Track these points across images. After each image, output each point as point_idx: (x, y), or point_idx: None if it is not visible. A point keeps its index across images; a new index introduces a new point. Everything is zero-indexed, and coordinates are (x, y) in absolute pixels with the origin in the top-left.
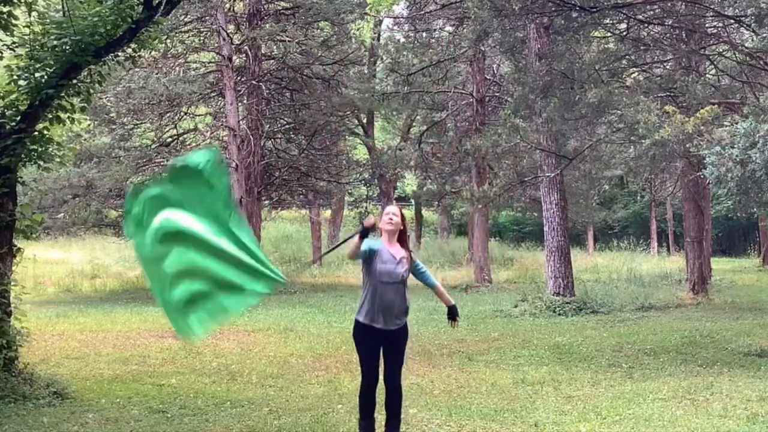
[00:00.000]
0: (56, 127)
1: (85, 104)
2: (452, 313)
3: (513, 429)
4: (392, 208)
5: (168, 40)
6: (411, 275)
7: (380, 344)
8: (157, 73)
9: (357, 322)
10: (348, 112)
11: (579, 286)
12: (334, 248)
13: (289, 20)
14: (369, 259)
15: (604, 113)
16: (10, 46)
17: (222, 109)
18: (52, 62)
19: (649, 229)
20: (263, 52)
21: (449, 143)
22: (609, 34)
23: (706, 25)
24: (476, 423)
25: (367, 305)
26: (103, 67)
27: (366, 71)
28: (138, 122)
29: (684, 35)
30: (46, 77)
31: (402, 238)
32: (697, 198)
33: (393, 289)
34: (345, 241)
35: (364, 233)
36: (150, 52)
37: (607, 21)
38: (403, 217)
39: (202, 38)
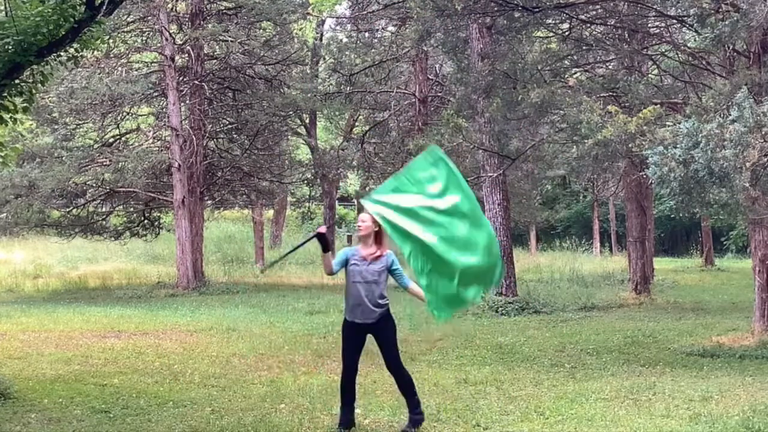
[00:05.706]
0: None
1: (28, 104)
2: None
3: (456, 429)
4: (361, 215)
5: (110, 40)
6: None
7: (362, 337)
8: (99, 73)
9: (344, 319)
10: (290, 112)
11: (522, 287)
12: (284, 257)
13: (232, 20)
14: (345, 264)
15: (547, 113)
16: None
17: (164, 109)
18: None
19: (592, 229)
20: (206, 52)
21: (392, 143)
22: (551, 34)
23: (649, 25)
24: None
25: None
26: (46, 67)
27: (308, 71)
28: (80, 122)
29: (626, 35)
30: None
31: (378, 239)
32: (639, 198)
33: (365, 287)
34: (295, 249)
35: (321, 240)
36: (93, 52)
37: (550, 21)
38: (372, 219)
39: (144, 38)
